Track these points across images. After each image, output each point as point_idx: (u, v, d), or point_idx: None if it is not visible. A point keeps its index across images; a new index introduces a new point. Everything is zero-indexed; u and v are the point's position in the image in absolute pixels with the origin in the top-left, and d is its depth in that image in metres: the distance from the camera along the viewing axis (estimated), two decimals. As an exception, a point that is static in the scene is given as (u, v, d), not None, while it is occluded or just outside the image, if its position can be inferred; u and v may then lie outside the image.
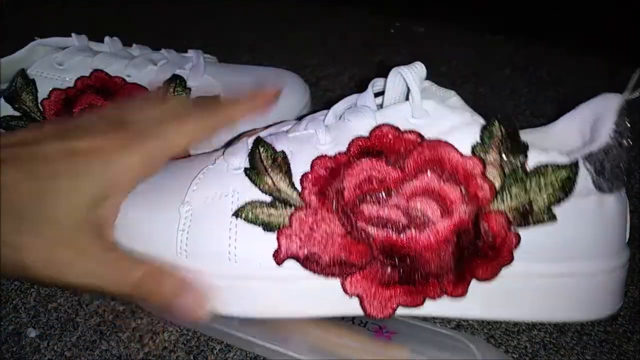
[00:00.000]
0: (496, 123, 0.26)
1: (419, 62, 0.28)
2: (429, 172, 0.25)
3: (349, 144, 0.27)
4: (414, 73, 0.27)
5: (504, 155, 0.26)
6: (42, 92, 0.38)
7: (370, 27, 0.71)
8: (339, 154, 0.26)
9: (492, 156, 0.26)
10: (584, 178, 0.26)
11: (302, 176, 0.26)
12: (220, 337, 0.30)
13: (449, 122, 0.26)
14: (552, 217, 0.26)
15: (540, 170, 0.26)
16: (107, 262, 0.25)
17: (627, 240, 0.30)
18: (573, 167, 0.26)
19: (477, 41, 0.67)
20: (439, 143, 0.26)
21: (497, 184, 0.26)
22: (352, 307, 0.27)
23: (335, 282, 0.27)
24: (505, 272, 0.27)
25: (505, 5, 0.73)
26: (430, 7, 0.74)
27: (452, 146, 0.26)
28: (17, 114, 0.38)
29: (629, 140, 0.27)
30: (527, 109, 0.55)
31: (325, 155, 0.27)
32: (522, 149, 0.26)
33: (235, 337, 0.29)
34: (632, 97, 0.28)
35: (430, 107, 0.27)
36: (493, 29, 0.68)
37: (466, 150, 0.26)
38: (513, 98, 0.56)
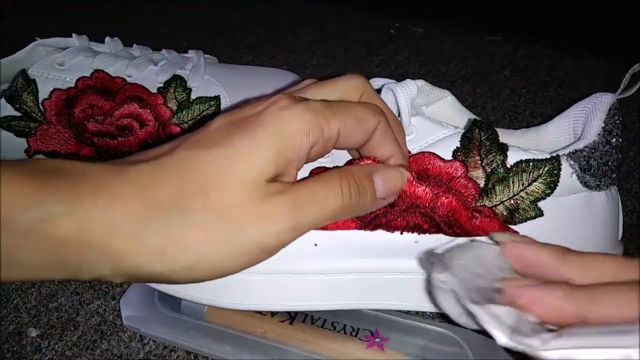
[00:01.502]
0: (475, 129, 0.27)
1: (410, 81, 0.29)
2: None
3: None
4: (405, 92, 0.28)
5: (483, 156, 0.26)
6: (43, 93, 0.38)
7: (370, 27, 0.71)
8: None
9: (472, 158, 0.26)
10: (569, 175, 0.26)
11: None
12: (215, 359, 0.30)
13: (435, 135, 0.28)
14: (539, 213, 0.26)
15: (520, 166, 0.26)
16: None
17: (620, 238, 0.30)
18: (554, 162, 0.26)
19: (477, 41, 0.67)
20: (422, 155, 0.27)
21: (481, 183, 0.26)
22: (345, 302, 0.28)
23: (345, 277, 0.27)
24: None
25: (505, 5, 0.73)
26: (430, 7, 0.74)
27: (435, 155, 0.27)
28: (17, 114, 0.38)
29: (619, 138, 0.28)
30: (527, 109, 0.55)
31: None
32: (501, 149, 0.26)
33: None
34: (624, 96, 0.29)
35: (418, 123, 0.28)
36: (493, 29, 0.68)
37: (449, 157, 0.27)
38: (512, 98, 0.56)
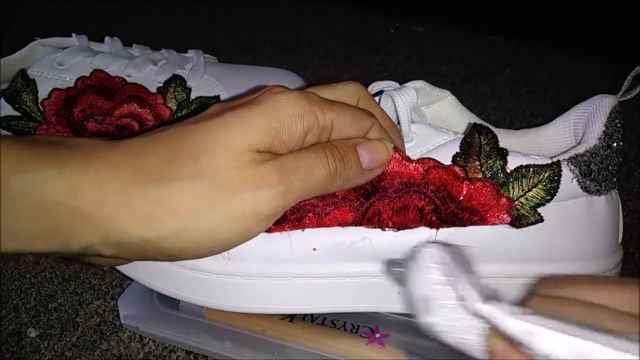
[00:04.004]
0: (475, 133, 0.27)
1: (410, 87, 0.29)
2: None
3: None
4: (404, 99, 0.28)
5: (483, 161, 0.26)
6: (43, 92, 0.38)
7: (370, 27, 0.71)
8: None
9: (472, 163, 0.26)
10: (570, 180, 0.26)
11: None
12: (215, 357, 0.30)
13: (435, 141, 0.27)
14: (539, 218, 0.26)
15: (520, 171, 0.26)
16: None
17: (619, 241, 0.30)
18: (555, 167, 0.26)
19: (477, 41, 0.67)
20: (422, 161, 0.27)
21: None
22: (343, 305, 0.28)
23: (330, 281, 0.27)
24: (493, 272, 0.27)
25: (505, 5, 0.73)
26: (430, 7, 0.74)
27: (435, 160, 0.26)
28: (17, 114, 0.38)
29: (620, 142, 0.27)
30: (527, 109, 0.55)
31: None
32: (501, 154, 0.26)
33: (228, 358, 0.29)
34: (625, 98, 0.28)
35: (418, 130, 0.28)
36: (493, 29, 0.68)
37: (449, 162, 0.27)
38: (513, 98, 0.56)
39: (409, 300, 0.21)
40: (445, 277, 0.20)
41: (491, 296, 0.19)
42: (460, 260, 0.21)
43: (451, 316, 0.20)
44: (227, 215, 0.22)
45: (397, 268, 0.25)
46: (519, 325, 0.17)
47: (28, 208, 0.19)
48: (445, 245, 0.22)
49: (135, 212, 0.21)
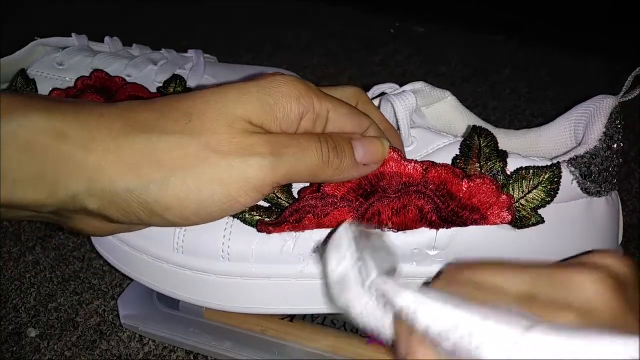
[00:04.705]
0: (474, 136, 0.27)
1: (409, 93, 0.29)
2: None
3: None
4: (403, 104, 0.28)
5: (483, 163, 0.26)
6: (42, 92, 0.38)
7: (370, 27, 0.71)
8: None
9: (472, 166, 0.26)
10: (570, 182, 0.26)
11: (301, 189, 0.27)
12: (215, 357, 0.30)
13: (435, 144, 0.28)
14: (540, 220, 0.26)
15: (521, 173, 0.26)
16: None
17: (619, 242, 0.30)
18: (555, 169, 0.26)
19: (477, 41, 0.67)
20: (421, 161, 0.26)
21: None
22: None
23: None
24: None
25: (505, 5, 0.73)
26: (430, 7, 0.74)
27: (434, 163, 0.26)
28: (17, 114, 0.38)
29: (620, 143, 0.27)
30: (527, 109, 0.55)
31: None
32: (501, 156, 0.26)
33: (228, 357, 0.29)
34: (626, 99, 0.28)
35: (418, 134, 0.28)
36: (493, 29, 0.68)
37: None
38: (513, 98, 0.56)
39: (326, 285, 0.20)
40: (353, 257, 0.20)
41: (389, 274, 0.19)
42: (369, 239, 0.21)
43: (361, 298, 0.19)
44: (212, 177, 0.22)
45: (320, 252, 0.25)
46: (405, 299, 0.17)
47: (17, 150, 0.20)
48: (356, 225, 0.22)
49: (122, 160, 0.21)
